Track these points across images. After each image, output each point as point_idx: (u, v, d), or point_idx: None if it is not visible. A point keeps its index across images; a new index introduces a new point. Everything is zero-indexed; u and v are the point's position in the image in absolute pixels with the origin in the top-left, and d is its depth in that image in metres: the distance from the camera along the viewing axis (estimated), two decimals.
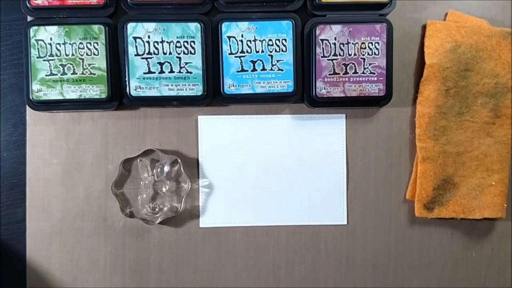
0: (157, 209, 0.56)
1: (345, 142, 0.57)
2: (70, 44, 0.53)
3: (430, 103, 0.56)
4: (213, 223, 0.57)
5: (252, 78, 0.54)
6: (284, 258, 0.57)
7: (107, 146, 0.56)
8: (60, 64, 0.53)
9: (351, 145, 0.57)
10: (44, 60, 0.53)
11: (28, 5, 0.53)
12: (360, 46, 0.54)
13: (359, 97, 0.54)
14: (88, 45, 0.53)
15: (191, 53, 0.53)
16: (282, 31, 0.54)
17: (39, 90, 0.53)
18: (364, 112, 0.57)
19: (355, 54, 0.54)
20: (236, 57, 0.54)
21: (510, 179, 0.57)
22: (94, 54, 0.53)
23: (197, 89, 0.54)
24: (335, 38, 0.54)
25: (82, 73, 0.53)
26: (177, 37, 0.53)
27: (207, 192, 0.57)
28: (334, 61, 0.54)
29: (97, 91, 0.53)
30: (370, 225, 0.58)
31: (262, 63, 0.54)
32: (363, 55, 0.54)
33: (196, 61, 0.53)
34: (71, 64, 0.53)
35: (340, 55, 0.54)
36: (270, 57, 0.54)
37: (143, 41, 0.53)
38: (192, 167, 0.57)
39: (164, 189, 0.56)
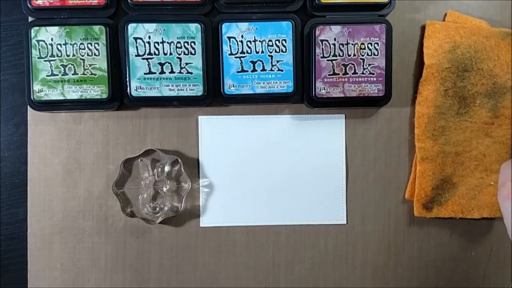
0: (157, 209, 0.57)
1: (344, 142, 0.58)
2: (71, 44, 0.53)
3: (429, 103, 0.56)
4: (214, 222, 0.57)
5: (252, 79, 0.54)
6: (284, 257, 0.58)
7: (108, 146, 0.57)
8: (61, 65, 0.53)
9: (350, 145, 0.58)
10: (45, 61, 0.53)
11: (29, 5, 0.53)
12: (360, 46, 0.54)
13: (358, 97, 0.54)
14: (89, 45, 0.53)
15: (191, 53, 0.54)
16: (282, 32, 0.54)
17: (40, 91, 0.53)
18: (364, 112, 0.58)
19: (354, 55, 0.54)
20: (236, 57, 0.54)
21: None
22: (95, 54, 0.53)
23: (197, 90, 0.54)
24: (335, 39, 0.54)
25: (83, 74, 0.53)
26: (177, 38, 0.53)
27: (208, 192, 0.57)
28: (333, 61, 0.54)
29: (98, 92, 0.54)
30: (369, 225, 0.58)
31: (262, 63, 0.54)
32: (363, 55, 0.54)
33: (196, 62, 0.54)
34: (72, 64, 0.53)
35: (339, 55, 0.54)
36: (270, 57, 0.54)
37: (143, 41, 0.53)
38: (193, 167, 0.57)
39: (164, 189, 0.56)
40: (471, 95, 0.56)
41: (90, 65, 0.53)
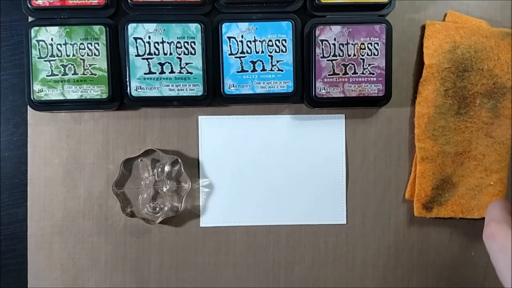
0: (157, 209, 0.57)
1: (344, 142, 0.58)
2: (71, 44, 0.53)
3: (429, 103, 0.56)
4: (214, 222, 0.57)
5: (252, 79, 0.54)
6: (284, 257, 0.58)
7: (108, 146, 0.57)
8: (61, 65, 0.53)
9: (350, 145, 0.58)
10: (45, 61, 0.53)
11: (29, 5, 0.53)
12: (360, 46, 0.54)
13: (358, 97, 0.54)
14: (89, 45, 0.53)
15: (191, 53, 0.54)
16: (282, 32, 0.54)
17: (40, 91, 0.53)
18: (364, 112, 0.58)
19: (354, 55, 0.54)
20: (236, 57, 0.54)
21: (509, 179, 0.58)
22: (95, 54, 0.53)
23: (197, 90, 0.54)
24: (335, 39, 0.54)
25: (83, 74, 0.53)
26: (177, 38, 0.53)
27: (208, 192, 0.57)
28: (333, 61, 0.54)
29: (98, 92, 0.54)
30: (369, 225, 0.58)
31: (262, 63, 0.54)
32: (363, 55, 0.54)
33: (196, 62, 0.54)
34: (72, 64, 0.53)
35: (339, 55, 0.54)
36: (270, 57, 0.54)
37: (143, 41, 0.53)
38: (193, 167, 0.57)
39: (164, 189, 0.56)
40: (471, 95, 0.56)
41: (90, 65, 0.53)
